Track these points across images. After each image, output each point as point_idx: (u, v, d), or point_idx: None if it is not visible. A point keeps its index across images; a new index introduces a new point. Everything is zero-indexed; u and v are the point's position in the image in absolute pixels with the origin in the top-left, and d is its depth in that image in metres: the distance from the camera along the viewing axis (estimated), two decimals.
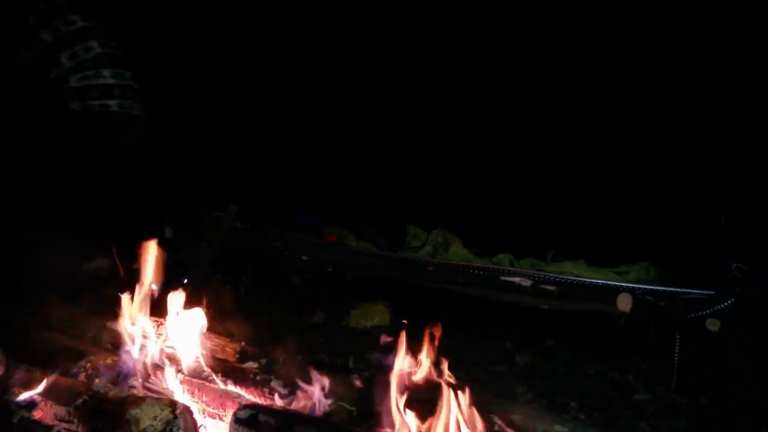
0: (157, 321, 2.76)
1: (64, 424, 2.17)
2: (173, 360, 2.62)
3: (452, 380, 2.22)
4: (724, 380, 3.27)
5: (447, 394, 2.04)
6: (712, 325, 3.01)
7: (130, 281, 2.79)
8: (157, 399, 2.16)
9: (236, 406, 2.19)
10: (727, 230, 3.30)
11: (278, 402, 2.37)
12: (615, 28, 4.75)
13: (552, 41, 4.98)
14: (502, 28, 5.15)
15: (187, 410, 2.13)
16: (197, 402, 2.47)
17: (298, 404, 2.35)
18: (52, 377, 2.35)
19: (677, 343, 3.18)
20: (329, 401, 2.35)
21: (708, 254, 3.32)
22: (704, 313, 3.04)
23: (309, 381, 2.38)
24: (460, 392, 2.04)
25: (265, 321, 3.78)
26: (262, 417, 2.04)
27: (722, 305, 3.00)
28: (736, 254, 3.17)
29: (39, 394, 2.28)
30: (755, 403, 3.09)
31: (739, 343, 3.20)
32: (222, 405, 2.40)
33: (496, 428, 2.27)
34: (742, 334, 3.15)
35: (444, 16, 5.29)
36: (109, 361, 2.65)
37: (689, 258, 3.46)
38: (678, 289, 3.17)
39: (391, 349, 2.32)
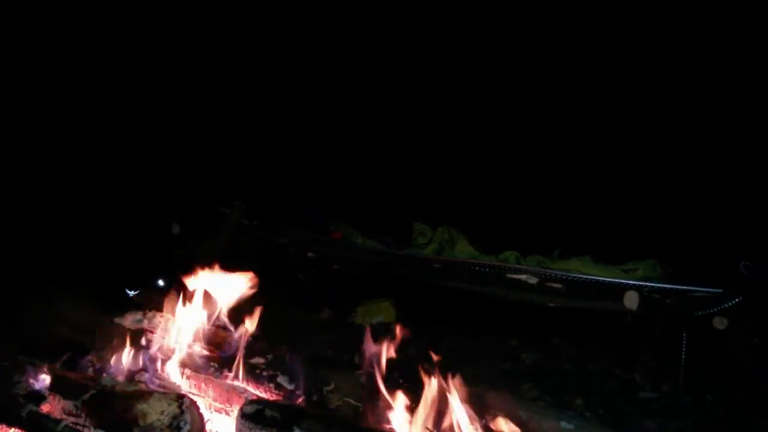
0: (164, 316, 2.77)
1: (72, 418, 2.18)
2: (180, 355, 2.63)
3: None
4: (731, 379, 3.25)
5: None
6: (720, 323, 2.99)
7: (137, 278, 2.81)
8: (164, 394, 2.17)
9: (242, 401, 2.19)
10: (735, 228, 3.28)
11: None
12: (627, 30, 4.72)
13: (558, 39, 4.95)
14: (506, 25, 5.12)
15: (193, 405, 2.14)
16: (204, 397, 2.48)
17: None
18: (60, 372, 2.36)
19: (684, 341, 3.16)
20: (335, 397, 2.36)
21: (716, 252, 3.29)
22: (712, 311, 3.02)
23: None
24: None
25: (271, 317, 3.77)
26: (268, 412, 2.04)
27: (730, 303, 2.97)
28: (744, 252, 3.15)
29: (47, 388, 2.29)
30: (762, 401, 3.07)
31: (747, 341, 3.18)
32: (228, 400, 2.40)
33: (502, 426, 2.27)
34: (749, 333, 3.13)
35: (448, 14, 5.27)
36: (116, 355, 2.66)
37: (697, 256, 3.44)
38: (685, 287, 3.14)
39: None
